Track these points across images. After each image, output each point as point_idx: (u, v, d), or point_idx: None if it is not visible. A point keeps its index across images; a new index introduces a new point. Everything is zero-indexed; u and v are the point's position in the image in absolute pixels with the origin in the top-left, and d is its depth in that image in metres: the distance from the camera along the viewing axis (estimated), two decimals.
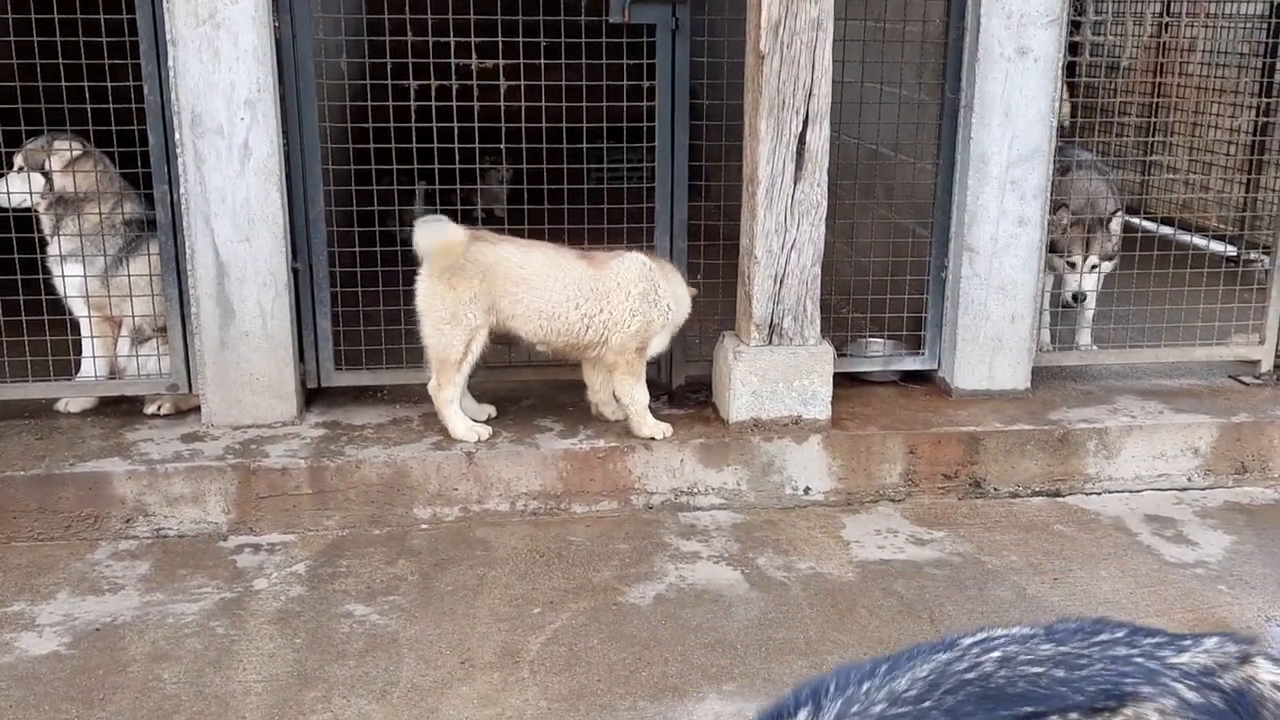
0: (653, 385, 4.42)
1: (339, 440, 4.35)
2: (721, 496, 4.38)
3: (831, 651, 3.46)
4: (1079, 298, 5.08)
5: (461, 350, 4.25)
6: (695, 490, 4.37)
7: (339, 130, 4.72)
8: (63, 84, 4.13)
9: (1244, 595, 3.81)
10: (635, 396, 4.32)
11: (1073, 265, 5.07)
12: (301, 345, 4.51)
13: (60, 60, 4.12)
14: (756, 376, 4.42)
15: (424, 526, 4.23)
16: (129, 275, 4.42)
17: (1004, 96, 4.50)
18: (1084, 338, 5.22)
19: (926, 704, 1.67)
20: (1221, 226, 6.44)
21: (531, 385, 4.76)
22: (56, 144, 4.40)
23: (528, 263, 4.24)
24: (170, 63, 4.12)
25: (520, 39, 4.42)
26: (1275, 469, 4.65)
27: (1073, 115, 6.99)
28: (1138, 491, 4.56)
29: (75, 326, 4.54)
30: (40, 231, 4.52)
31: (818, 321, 4.47)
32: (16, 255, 4.33)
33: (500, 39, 4.38)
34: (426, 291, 4.24)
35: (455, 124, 4.41)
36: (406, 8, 4.40)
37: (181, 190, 4.24)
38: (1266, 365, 5.04)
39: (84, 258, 4.42)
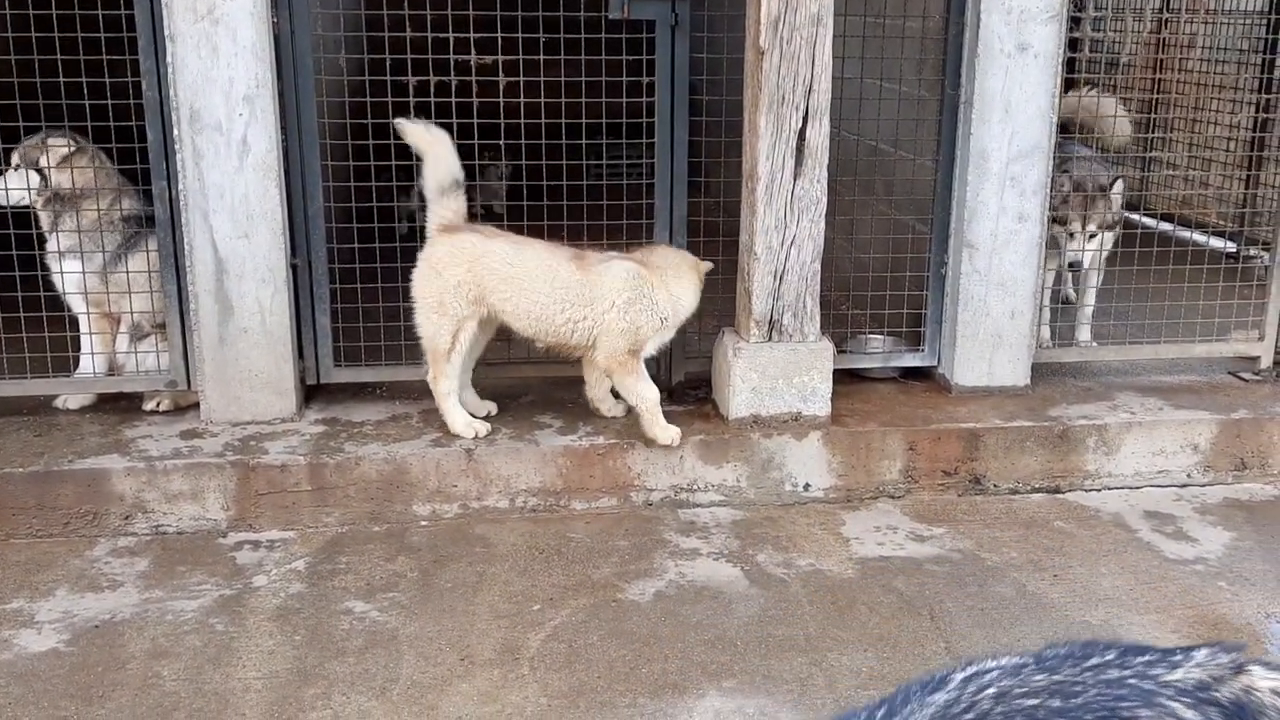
0: (653, 382, 4.40)
1: (338, 437, 4.35)
2: (721, 493, 4.38)
3: (831, 648, 3.46)
4: (1075, 266, 5.02)
5: (449, 340, 4.24)
6: (695, 487, 4.37)
7: (338, 126, 4.71)
8: (61, 80, 4.12)
9: (1244, 592, 3.81)
10: (642, 394, 4.27)
11: (1072, 235, 5.01)
12: (300, 341, 4.51)
13: (59, 56, 4.11)
14: (756, 373, 4.42)
15: (423, 523, 4.22)
16: (128, 272, 4.41)
17: (1004, 92, 4.49)
18: (1084, 334, 5.21)
19: None
20: (1221, 223, 6.44)
21: (531, 382, 4.75)
22: (50, 141, 4.39)
23: (518, 260, 4.22)
24: (169, 58, 4.11)
25: (520, 35, 4.41)
26: (1275, 465, 4.65)
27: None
28: (1137, 488, 4.56)
29: (74, 323, 4.53)
30: (39, 228, 4.52)
31: (817, 318, 4.47)
32: (15, 252, 4.33)
33: (500, 35, 4.37)
34: (418, 277, 4.28)
35: (454, 120, 4.40)
36: (405, 4, 4.39)
37: (180, 186, 4.23)
38: (1266, 361, 5.04)
39: (83, 254, 4.41)
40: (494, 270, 4.21)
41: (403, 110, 4.41)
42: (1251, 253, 6.10)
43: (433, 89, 4.40)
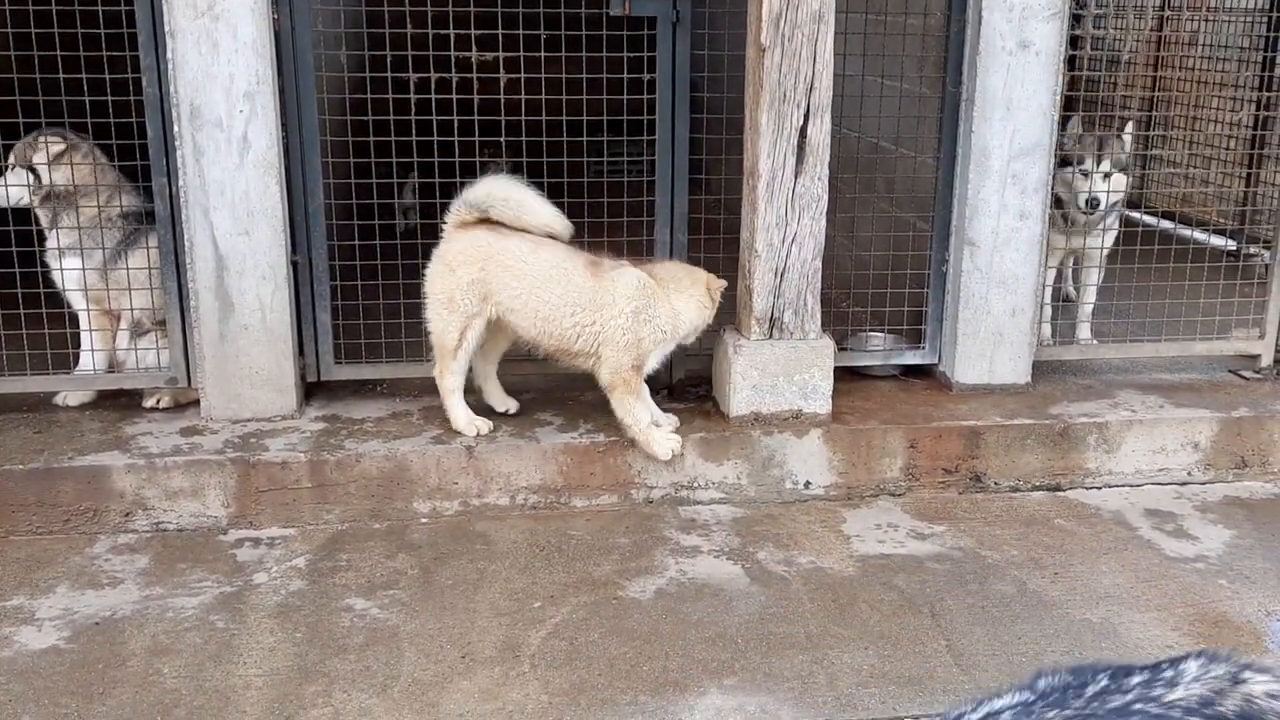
0: (653, 380, 4.40)
1: (339, 434, 4.34)
2: (722, 491, 4.38)
3: (832, 646, 3.46)
4: (1093, 203, 4.88)
5: (456, 337, 4.23)
6: (695, 484, 4.36)
7: (338, 123, 4.70)
8: (60, 76, 4.11)
9: (1244, 590, 3.81)
10: (637, 416, 4.23)
11: (1085, 173, 4.93)
12: (301, 338, 4.50)
13: (58, 52, 4.10)
14: (757, 370, 4.42)
15: (424, 520, 4.22)
16: (127, 268, 4.41)
17: (1005, 90, 4.49)
18: (1084, 332, 5.21)
19: None
20: (1221, 221, 6.44)
21: (531, 379, 4.75)
22: (41, 138, 4.37)
23: (533, 259, 4.19)
24: (169, 55, 4.11)
25: (520, 31, 4.40)
26: (1275, 463, 4.65)
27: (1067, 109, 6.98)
28: (1138, 486, 4.56)
29: (74, 320, 4.52)
30: (38, 226, 4.51)
31: (818, 315, 4.47)
32: (15, 248, 4.32)
33: (500, 31, 4.37)
34: (430, 273, 4.27)
35: (455, 117, 4.40)
36: (406, 0, 4.38)
37: (180, 183, 4.22)
38: (1266, 360, 5.04)
39: (82, 251, 4.40)
40: (507, 268, 4.18)
41: (403, 107, 4.41)
42: (1252, 251, 6.09)
43: (433, 86, 4.39)
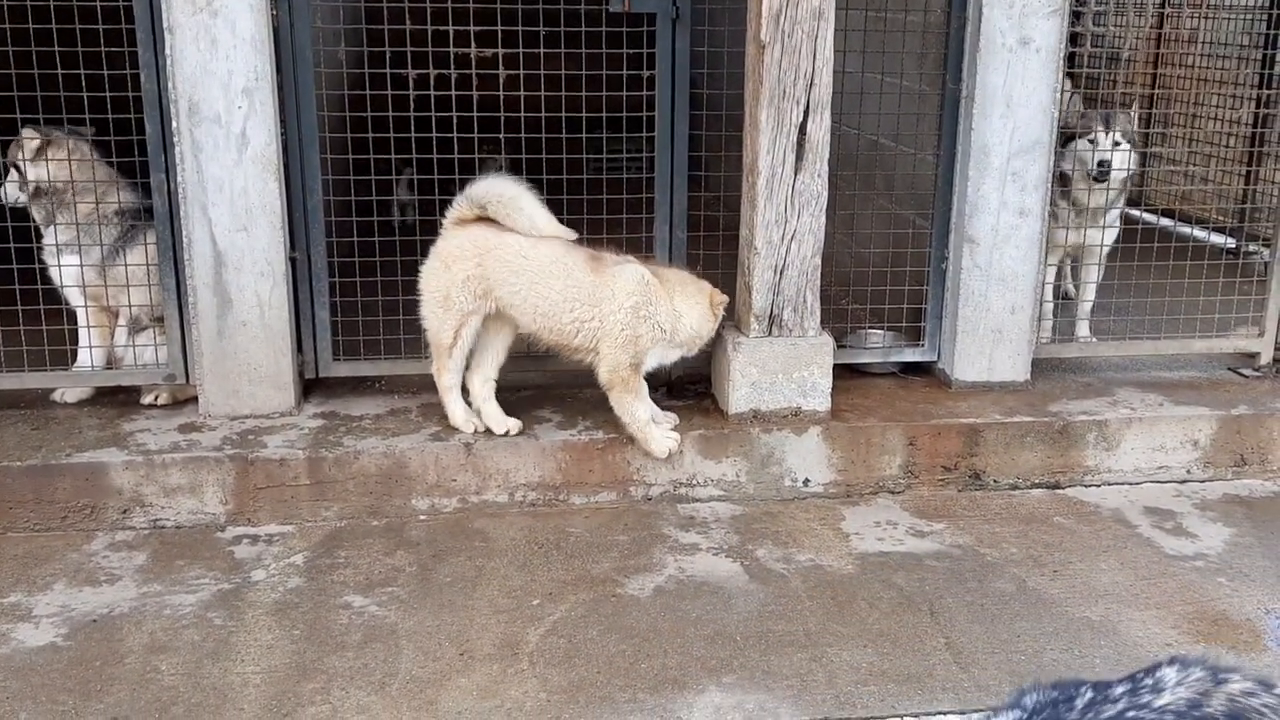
0: (652, 377, 4.39)
1: (337, 431, 4.34)
2: (721, 488, 4.37)
3: (831, 644, 3.46)
4: (1103, 165, 4.86)
5: (451, 335, 4.22)
6: (694, 482, 4.36)
7: (337, 119, 4.70)
8: (59, 72, 4.09)
9: (1243, 588, 3.80)
10: (635, 414, 4.21)
11: (1094, 142, 4.92)
12: (299, 335, 4.49)
13: (56, 48, 4.08)
14: (756, 368, 4.41)
15: (422, 517, 4.21)
16: (126, 265, 4.40)
17: (1005, 87, 4.48)
18: (1083, 329, 5.21)
19: None
20: (1221, 218, 6.44)
21: (530, 376, 4.74)
22: (23, 133, 4.36)
23: (533, 254, 4.17)
24: (167, 50, 4.10)
25: (519, 28, 4.39)
26: (1274, 462, 4.65)
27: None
28: (1137, 484, 4.56)
29: (72, 316, 4.51)
30: (35, 222, 4.50)
31: (818, 313, 4.46)
32: (13, 245, 4.31)
33: (499, 28, 4.36)
34: (426, 270, 4.26)
35: (454, 113, 4.39)
36: None
37: (179, 179, 4.21)
38: (1266, 358, 5.03)
39: (80, 248, 4.39)
40: (506, 263, 4.16)
41: (401, 103, 4.40)
42: (1251, 249, 6.09)
43: (432, 82, 4.38)
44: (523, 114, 4.53)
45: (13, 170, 4.42)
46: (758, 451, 4.38)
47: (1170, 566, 3.94)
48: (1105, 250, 5.19)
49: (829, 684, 3.27)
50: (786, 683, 3.27)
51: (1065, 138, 4.75)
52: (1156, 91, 6.87)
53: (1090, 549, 4.06)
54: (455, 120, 4.40)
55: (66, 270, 4.43)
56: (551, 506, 4.29)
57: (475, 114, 4.46)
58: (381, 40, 4.46)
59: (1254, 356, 5.05)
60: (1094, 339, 5.16)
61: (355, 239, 4.60)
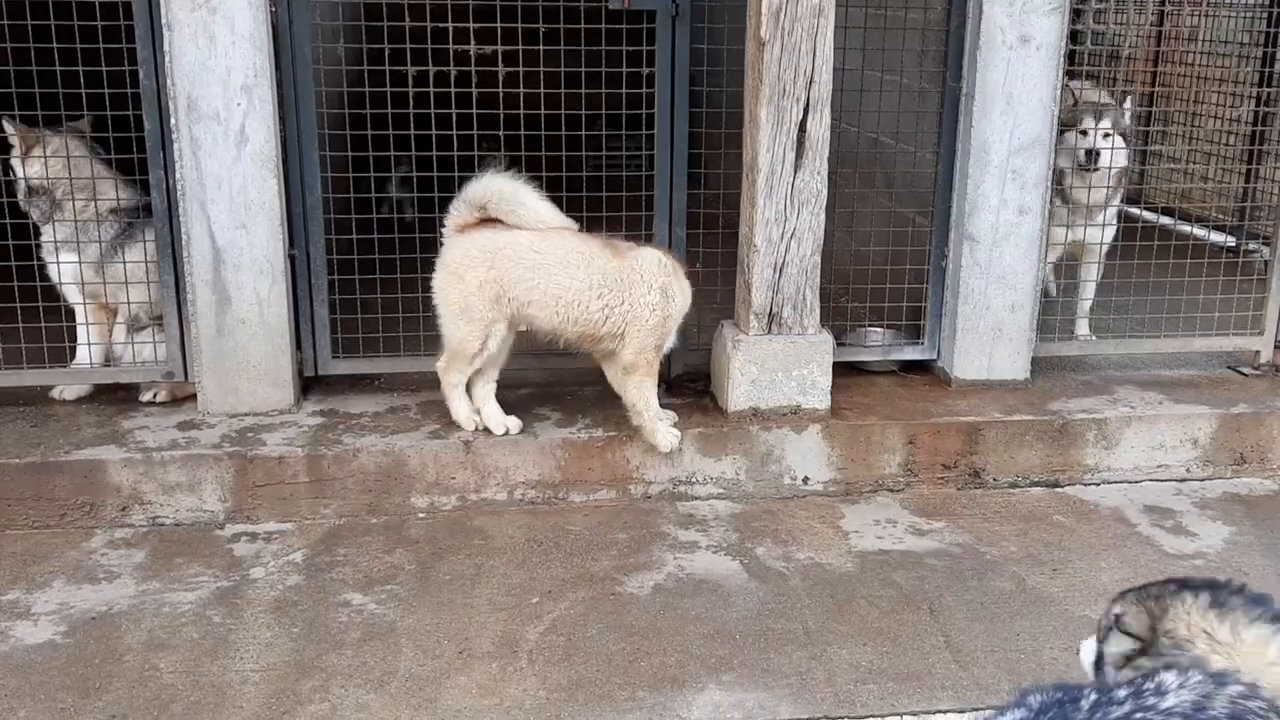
0: None
1: (336, 429, 4.33)
2: (720, 486, 4.37)
3: (830, 642, 3.45)
4: (1092, 155, 4.89)
5: (478, 345, 4.15)
6: (694, 480, 4.36)
7: (336, 116, 4.69)
8: (57, 69, 4.09)
9: None
10: (650, 401, 4.21)
11: (1085, 133, 4.94)
12: (298, 333, 4.49)
13: (55, 44, 4.08)
14: (755, 366, 4.41)
15: (421, 515, 4.21)
16: (124, 262, 4.39)
17: (1005, 85, 4.48)
18: (1083, 328, 5.20)
19: None
20: (1221, 217, 6.43)
21: (529, 373, 4.74)
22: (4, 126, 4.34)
23: (545, 247, 4.12)
24: (166, 47, 4.09)
25: (519, 25, 4.38)
26: (1274, 460, 4.65)
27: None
28: (1137, 482, 4.56)
29: (70, 314, 4.51)
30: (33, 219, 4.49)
31: (817, 311, 4.46)
32: (11, 242, 4.30)
33: (499, 25, 4.35)
34: (438, 283, 4.19)
35: (454, 111, 4.38)
36: None
37: (177, 176, 4.21)
38: (1266, 356, 5.03)
39: (78, 245, 4.38)
40: (519, 260, 4.10)
41: (401, 100, 4.39)
42: (1251, 247, 6.09)
43: (431, 79, 4.37)
44: (522, 111, 4.52)
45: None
46: (757, 449, 4.38)
47: (1170, 565, 3.94)
48: (1103, 249, 5.18)
49: (828, 682, 3.27)
50: (786, 681, 3.27)
51: (1058, 131, 4.74)
52: (1157, 89, 6.87)
53: (1090, 547, 4.06)
54: (455, 118, 4.39)
55: (64, 268, 4.42)
56: (551, 504, 4.29)
57: (475, 111, 4.45)
58: (381, 37, 4.45)
59: (1254, 355, 5.05)
60: (1094, 337, 5.15)
61: (354, 236, 4.60)
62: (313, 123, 4.32)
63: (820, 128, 4.27)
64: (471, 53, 4.40)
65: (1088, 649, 2.39)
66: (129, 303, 4.46)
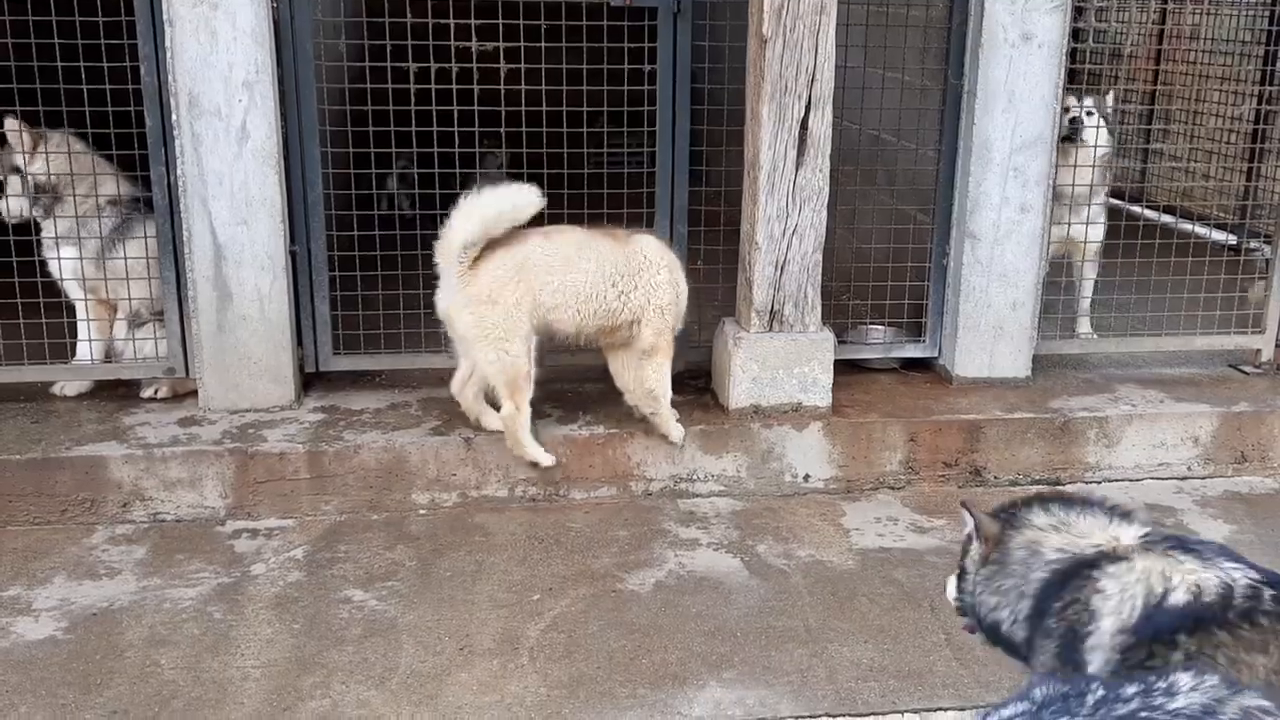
0: None
1: (337, 425, 4.33)
2: (721, 483, 4.37)
3: (832, 639, 3.45)
4: (1075, 124, 4.96)
5: (526, 362, 4.05)
6: (695, 477, 4.36)
7: (337, 112, 4.68)
8: (59, 65, 4.08)
9: None
10: (668, 389, 4.23)
11: (1067, 109, 4.95)
12: (299, 329, 4.49)
13: (56, 40, 4.07)
14: (757, 363, 4.41)
15: (422, 512, 4.21)
16: (125, 258, 4.39)
17: (1007, 82, 4.47)
18: (1084, 326, 5.20)
19: None
20: (1222, 215, 6.43)
21: None
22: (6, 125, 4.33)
23: (553, 248, 4.09)
24: (167, 43, 4.08)
25: (521, 21, 4.38)
26: (1275, 459, 4.65)
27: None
28: (1138, 480, 4.56)
29: (71, 309, 4.50)
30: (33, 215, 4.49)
31: (819, 308, 4.46)
32: (12, 238, 4.30)
33: (501, 21, 4.34)
34: (471, 318, 4.00)
35: (454, 107, 4.37)
36: None
37: (179, 173, 4.20)
38: (1267, 354, 5.03)
39: (79, 240, 4.38)
40: (539, 263, 4.03)
41: (402, 97, 4.38)
42: (1253, 245, 6.08)
43: (433, 75, 4.37)
44: (523, 108, 4.51)
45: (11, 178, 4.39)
46: (758, 447, 4.38)
47: None
48: (1094, 247, 5.17)
49: (829, 679, 3.27)
50: (787, 678, 3.27)
51: None
52: (1158, 87, 6.87)
53: None
54: (456, 114, 4.39)
55: (65, 263, 4.41)
56: (552, 501, 4.29)
57: (476, 108, 4.44)
58: (382, 33, 4.45)
59: (1255, 353, 5.05)
60: (1095, 335, 5.15)
61: (356, 233, 4.59)
62: (314, 119, 4.32)
63: (822, 125, 4.27)
64: (473, 49, 4.39)
65: (951, 581, 2.76)
66: (129, 298, 4.45)
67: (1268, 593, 2.24)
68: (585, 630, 3.49)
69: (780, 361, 4.41)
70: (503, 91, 4.53)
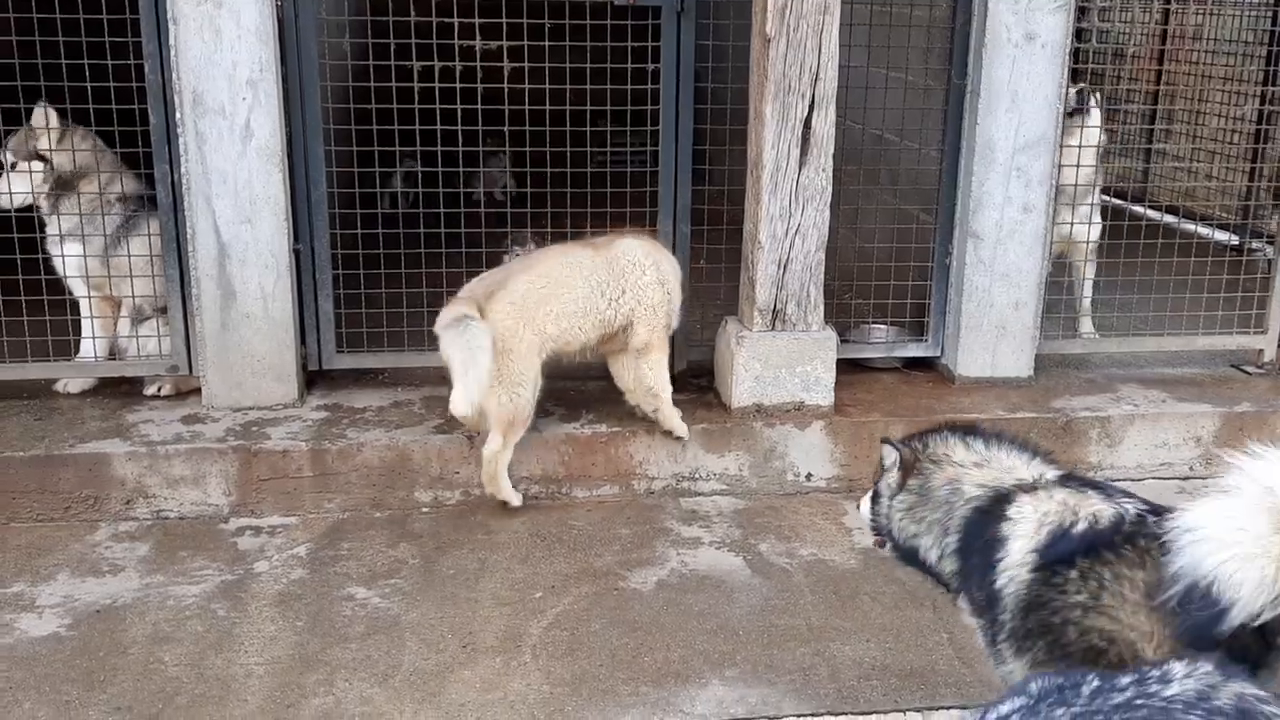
0: None
1: (340, 423, 4.34)
2: (723, 482, 4.38)
3: (834, 638, 3.46)
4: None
5: (533, 402, 4.07)
6: (697, 476, 4.36)
7: (341, 111, 4.69)
8: (63, 62, 4.09)
9: None
10: (667, 384, 4.26)
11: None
12: (303, 327, 4.49)
13: (60, 38, 4.08)
14: (759, 362, 4.41)
15: (425, 510, 4.21)
16: (129, 255, 4.39)
17: (1010, 82, 4.47)
18: (1086, 325, 5.21)
19: None
20: (1225, 215, 6.43)
21: None
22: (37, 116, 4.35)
23: (538, 275, 4.08)
24: (171, 41, 4.09)
25: (525, 21, 4.38)
26: None
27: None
28: (1140, 480, 4.55)
29: (75, 307, 4.51)
30: (38, 211, 4.49)
31: (821, 307, 4.46)
32: (16, 235, 4.30)
33: (505, 21, 4.35)
34: (488, 363, 3.89)
35: (458, 106, 4.38)
36: None
37: (183, 171, 4.21)
38: (1269, 354, 5.03)
39: (83, 237, 4.38)
40: (537, 299, 4.03)
41: (406, 96, 4.39)
42: (1255, 245, 6.09)
43: (437, 75, 4.38)
44: (527, 107, 4.52)
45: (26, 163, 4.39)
46: (760, 446, 4.38)
47: None
48: (1091, 246, 5.18)
49: (832, 678, 3.27)
50: (789, 677, 3.28)
51: None
52: (1161, 88, 6.87)
53: None
54: (460, 113, 4.39)
55: (69, 260, 4.42)
56: (554, 500, 4.29)
57: (479, 107, 4.45)
58: (386, 32, 4.45)
59: (1258, 353, 5.05)
60: (1097, 335, 5.16)
61: (359, 231, 4.60)
62: (318, 117, 4.33)
63: (825, 124, 4.27)
64: (477, 48, 4.39)
65: (865, 501, 2.94)
66: (133, 295, 4.46)
67: (1151, 519, 2.53)
68: (588, 628, 3.49)
69: (783, 360, 4.42)
70: (506, 90, 4.53)
